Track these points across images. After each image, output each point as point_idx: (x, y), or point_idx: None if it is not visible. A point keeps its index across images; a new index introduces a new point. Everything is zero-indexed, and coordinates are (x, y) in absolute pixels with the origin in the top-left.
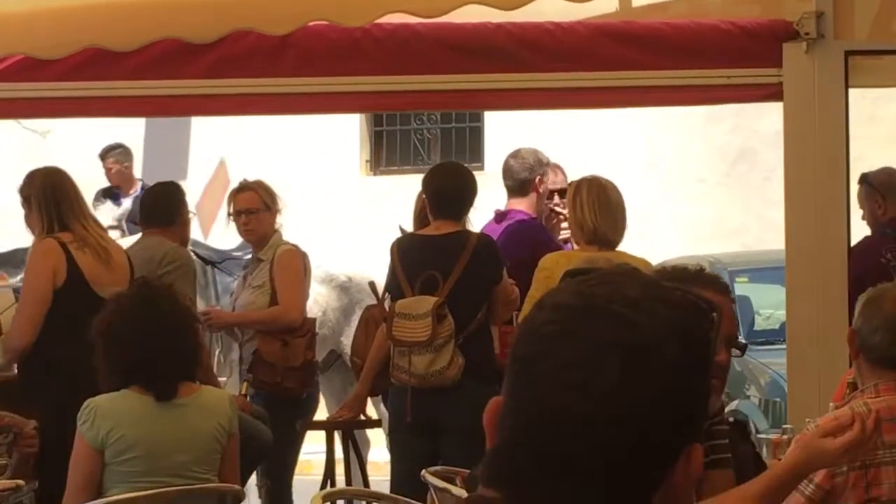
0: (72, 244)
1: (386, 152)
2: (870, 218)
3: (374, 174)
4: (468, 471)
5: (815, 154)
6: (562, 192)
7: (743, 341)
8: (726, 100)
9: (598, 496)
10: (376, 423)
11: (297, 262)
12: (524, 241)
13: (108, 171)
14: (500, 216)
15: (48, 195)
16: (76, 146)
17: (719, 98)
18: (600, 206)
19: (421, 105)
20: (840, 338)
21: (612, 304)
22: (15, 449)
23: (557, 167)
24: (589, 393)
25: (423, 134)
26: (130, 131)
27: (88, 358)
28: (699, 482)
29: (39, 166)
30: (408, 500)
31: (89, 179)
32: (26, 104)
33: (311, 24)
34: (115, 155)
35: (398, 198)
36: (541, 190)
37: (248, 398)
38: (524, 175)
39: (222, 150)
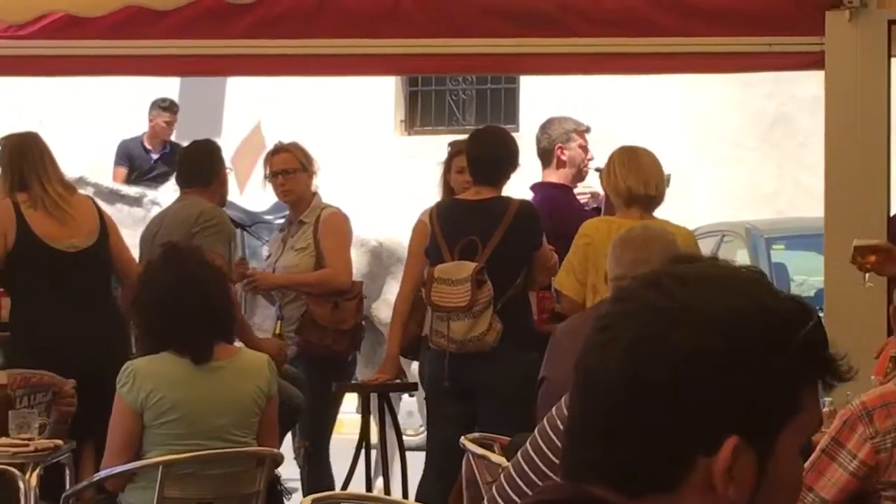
0: (24, 203)
1: (420, 112)
2: None
3: (409, 134)
4: (506, 437)
5: (856, 123)
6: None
7: None
8: (768, 67)
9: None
10: (413, 387)
11: (344, 225)
12: (545, 211)
13: (168, 125)
14: (533, 189)
15: (14, 158)
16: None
17: (761, 66)
18: (629, 166)
19: (461, 69)
20: (878, 306)
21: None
22: (53, 408)
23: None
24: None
25: (459, 94)
26: (165, 89)
27: (49, 306)
28: None
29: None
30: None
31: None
32: (66, 62)
33: None
34: (170, 108)
35: (432, 158)
36: (564, 157)
37: (286, 355)
38: (544, 145)
39: (256, 109)
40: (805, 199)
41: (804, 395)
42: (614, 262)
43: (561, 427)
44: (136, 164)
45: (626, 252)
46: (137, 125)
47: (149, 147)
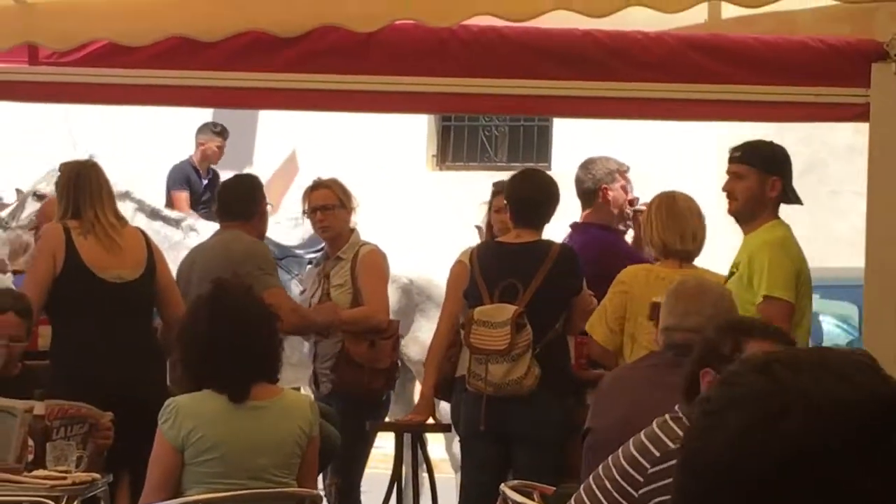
0: (75, 230)
1: (453, 148)
2: None
3: (441, 169)
4: (545, 485)
5: None
6: (631, 202)
7: None
8: (812, 118)
9: None
10: (446, 428)
11: (382, 263)
12: (593, 253)
13: (219, 150)
14: (574, 228)
15: (69, 185)
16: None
17: (805, 116)
18: (666, 218)
19: (504, 109)
20: None
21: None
22: (90, 440)
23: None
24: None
25: (492, 131)
26: (197, 115)
27: (91, 336)
28: None
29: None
30: None
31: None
32: (108, 90)
33: (397, 22)
34: (223, 133)
35: (463, 194)
36: (609, 198)
37: (318, 388)
38: (588, 185)
39: (289, 139)
40: (836, 247)
41: None
42: (666, 313)
43: (608, 487)
44: (194, 188)
45: (678, 303)
46: (169, 145)
47: (200, 170)
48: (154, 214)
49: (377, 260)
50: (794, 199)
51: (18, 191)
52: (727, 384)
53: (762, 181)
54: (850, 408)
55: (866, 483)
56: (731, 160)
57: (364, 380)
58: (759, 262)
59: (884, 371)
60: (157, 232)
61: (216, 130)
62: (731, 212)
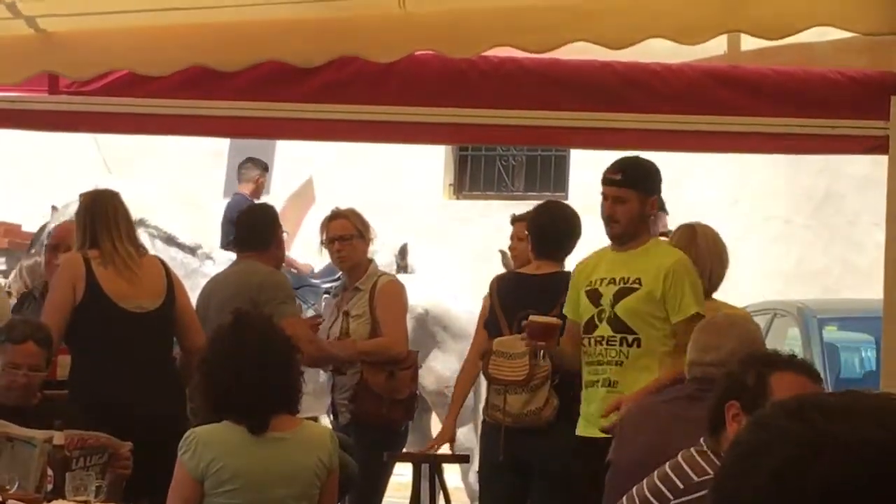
0: (95, 259)
1: (470, 177)
2: None
3: (457, 198)
4: None
5: None
6: (664, 234)
7: None
8: (830, 150)
9: None
10: (464, 459)
11: (401, 294)
12: None
13: (262, 185)
14: None
15: (87, 214)
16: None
17: (823, 148)
18: (718, 255)
19: (523, 140)
20: None
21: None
22: (109, 470)
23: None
24: None
25: (508, 160)
26: (214, 144)
27: (110, 365)
28: None
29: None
30: None
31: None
32: (128, 119)
33: (417, 53)
34: (266, 168)
35: (480, 223)
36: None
37: (336, 418)
38: None
39: (306, 169)
40: (853, 278)
41: None
42: (691, 347)
43: None
44: None
45: (701, 337)
46: (185, 171)
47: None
48: (169, 241)
49: (396, 291)
50: (661, 207)
51: (54, 208)
52: (760, 427)
53: (643, 202)
54: (880, 448)
55: None
56: (612, 183)
57: (383, 410)
58: (681, 281)
59: None
60: (172, 258)
61: (263, 166)
62: (614, 234)
